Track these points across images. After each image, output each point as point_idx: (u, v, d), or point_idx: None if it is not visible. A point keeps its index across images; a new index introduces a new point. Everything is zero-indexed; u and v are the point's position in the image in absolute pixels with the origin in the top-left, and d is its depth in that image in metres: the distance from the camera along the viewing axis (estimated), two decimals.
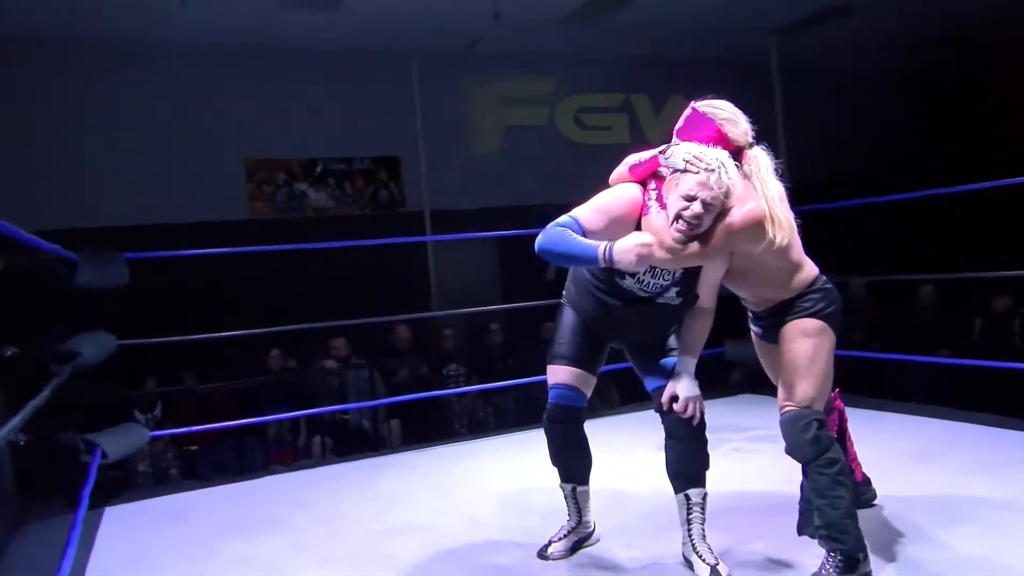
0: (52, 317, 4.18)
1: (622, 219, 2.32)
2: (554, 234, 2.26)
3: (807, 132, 8.73)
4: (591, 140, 8.71)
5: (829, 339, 2.38)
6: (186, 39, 6.80)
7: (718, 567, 2.38)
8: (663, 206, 2.28)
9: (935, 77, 9.09)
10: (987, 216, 6.61)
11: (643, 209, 2.33)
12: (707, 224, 2.23)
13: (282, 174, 7.67)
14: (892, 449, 3.65)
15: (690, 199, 2.19)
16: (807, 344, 2.34)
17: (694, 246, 2.24)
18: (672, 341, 2.53)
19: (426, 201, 8.04)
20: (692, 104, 2.39)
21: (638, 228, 2.30)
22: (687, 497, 2.45)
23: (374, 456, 4.60)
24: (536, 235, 2.31)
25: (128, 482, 5.29)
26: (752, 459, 3.69)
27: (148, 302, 5.98)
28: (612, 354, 2.67)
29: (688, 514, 2.45)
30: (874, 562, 2.38)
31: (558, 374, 2.58)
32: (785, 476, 3.31)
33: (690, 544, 2.45)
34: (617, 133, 8.74)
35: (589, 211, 2.34)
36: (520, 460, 3.93)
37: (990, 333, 6.01)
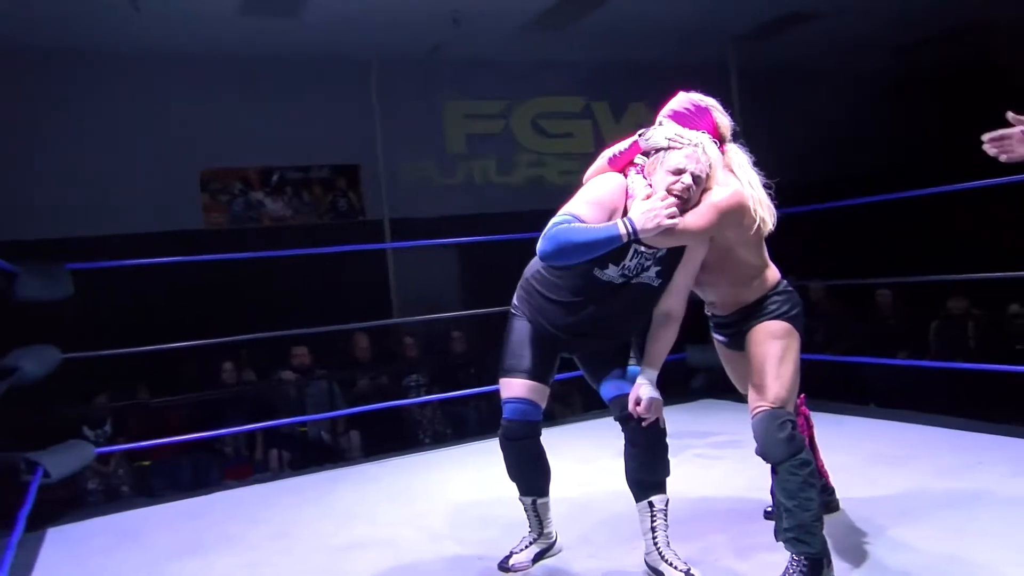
0: None
1: (615, 207, 2.30)
2: (561, 232, 2.21)
3: (766, 138, 8.78)
4: (553, 149, 8.69)
5: (796, 341, 2.39)
6: (141, 46, 6.65)
7: (691, 571, 2.34)
8: (649, 184, 2.29)
9: (895, 82, 9.25)
10: (944, 219, 6.72)
11: (627, 194, 2.32)
12: (695, 199, 2.25)
13: (238, 183, 7.52)
14: (854, 453, 3.65)
15: (679, 172, 2.22)
16: (776, 345, 2.34)
17: (688, 221, 2.23)
18: (630, 351, 2.49)
19: (386, 210, 7.94)
20: (683, 93, 2.48)
21: (624, 215, 2.28)
22: (650, 504, 2.40)
23: (333, 468, 4.50)
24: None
25: (76, 501, 5.10)
26: (715, 464, 3.67)
27: (103, 315, 5.83)
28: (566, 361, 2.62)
29: (652, 522, 2.40)
30: (838, 565, 2.36)
31: (513, 387, 2.48)
32: (749, 482, 3.30)
33: (656, 552, 2.40)
34: (580, 140, 8.73)
35: (583, 204, 2.29)
36: (482, 470, 3.85)
37: (946, 336, 6.08)
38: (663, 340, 2.40)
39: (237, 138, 7.30)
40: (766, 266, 2.45)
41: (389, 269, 7.88)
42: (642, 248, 2.29)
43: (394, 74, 7.80)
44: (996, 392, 4.91)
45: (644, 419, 2.34)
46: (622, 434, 2.44)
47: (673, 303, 2.39)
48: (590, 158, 2.58)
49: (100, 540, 3.38)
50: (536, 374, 2.48)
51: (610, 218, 2.26)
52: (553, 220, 2.26)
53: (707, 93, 2.56)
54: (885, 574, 2.33)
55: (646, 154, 2.34)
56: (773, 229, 2.40)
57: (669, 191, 2.21)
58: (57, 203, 6.54)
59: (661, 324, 2.40)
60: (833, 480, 2.95)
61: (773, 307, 2.40)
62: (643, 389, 2.34)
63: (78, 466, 3.79)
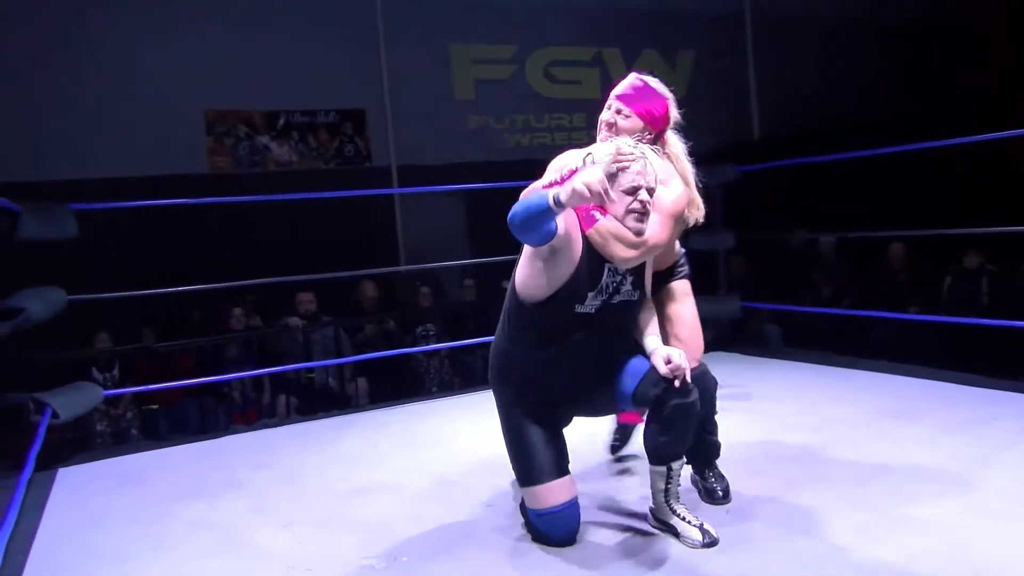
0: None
1: (574, 236, 2.20)
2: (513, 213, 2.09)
3: (779, 86, 8.65)
4: (561, 95, 8.55)
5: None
6: None
7: (705, 526, 2.32)
8: (603, 211, 2.24)
9: (914, 28, 9.00)
10: (960, 172, 6.59)
11: (585, 223, 2.23)
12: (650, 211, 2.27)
13: (243, 126, 7.41)
14: (864, 407, 3.63)
15: (635, 191, 2.22)
16: (691, 303, 2.67)
17: (653, 237, 2.28)
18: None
19: (393, 156, 7.84)
20: (638, 75, 2.53)
21: (586, 243, 2.22)
22: (669, 468, 2.35)
23: (340, 415, 4.51)
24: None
25: (86, 443, 5.14)
26: (727, 417, 3.64)
27: (109, 259, 5.79)
28: None
29: (667, 483, 2.35)
30: (847, 518, 2.37)
31: (554, 493, 2.33)
32: (758, 435, 3.29)
33: (666, 507, 2.36)
34: (588, 87, 8.57)
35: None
36: (489, 419, 3.82)
37: (959, 291, 6.02)
38: (651, 318, 2.42)
39: (242, 80, 7.17)
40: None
41: (396, 216, 7.81)
42: (614, 267, 2.26)
43: (401, 16, 7.64)
44: (1010, 349, 4.86)
45: (678, 377, 2.22)
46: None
47: (647, 291, 2.42)
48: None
49: (108, 481, 3.39)
50: (564, 467, 2.39)
51: (567, 251, 2.19)
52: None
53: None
54: (897, 526, 2.32)
55: None
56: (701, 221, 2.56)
57: (629, 211, 2.22)
58: (61, 144, 6.44)
59: (644, 309, 2.40)
60: (838, 433, 3.04)
61: (682, 268, 2.72)
62: (663, 349, 2.28)
63: (86, 408, 3.79)
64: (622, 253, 2.23)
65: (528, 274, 2.25)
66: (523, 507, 2.47)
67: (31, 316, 3.18)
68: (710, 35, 8.84)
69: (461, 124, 8.13)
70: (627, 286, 2.29)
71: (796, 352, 5.16)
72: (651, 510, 2.43)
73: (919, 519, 2.35)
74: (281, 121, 7.54)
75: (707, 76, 8.82)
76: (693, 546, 2.28)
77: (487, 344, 2.61)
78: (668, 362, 2.23)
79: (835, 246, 6.67)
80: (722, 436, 2.68)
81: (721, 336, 5.17)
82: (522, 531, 2.49)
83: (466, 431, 3.77)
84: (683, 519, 2.34)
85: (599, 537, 2.42)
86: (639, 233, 2.23)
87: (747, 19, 8.62)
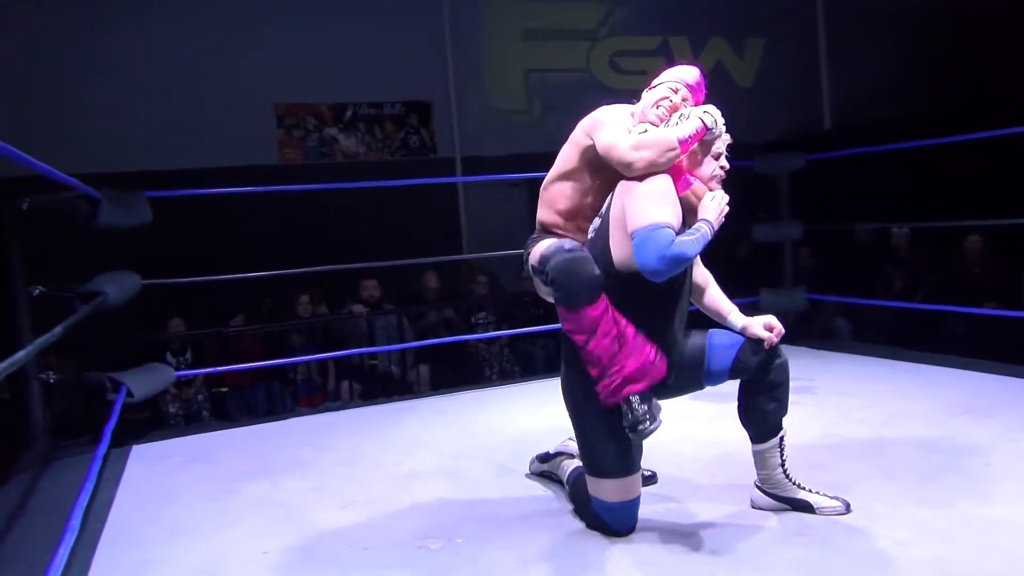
0: (81, 257, 4.16)
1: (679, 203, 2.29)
2: (677, 250, 2.12)
3: (852, 74, 8.40)
4: (626, 84, 8.46)
5: None
6: None
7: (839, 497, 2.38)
8: (693, 175, 2.33)
9: (993, 13, 8.61)
10: None
11: (681, 187, 2.29)
12: None
13: (312, 119, 7.57)
14: (934, 402, 3.51)
15: (718, 156, 2.33)
16: None
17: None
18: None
19: (457, 147, 7.90)
20: (693, 65, 2.51)
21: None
22: (781, 439, 2.38)
23: (401, 400, 4.58)
24: None
25: (159, 422, 5.35)
26: (791, 411, 3.57)
27: (184, 246, 6.00)
28: None
29: (782, 456, 2.38)
30: (916, 515, 2.31)
31: (628, 489, 2.32)
32: (823, 429, 3.22)
33: (792, 484, 2.39)
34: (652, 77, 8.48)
35: (667, 211, 2.19)
36: (547, 407, 3.84)
37: None
38: (719, 290, 2.52)
39: (311, 73, 7.33)
40: None
41: (460, 207, 7.87)
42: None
43: (466, 8, 7.68)
44: None
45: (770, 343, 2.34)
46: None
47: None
48: None
49: (178, 459, 3.52)
50: (639, 461, 2.38)
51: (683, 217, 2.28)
52: (650, 233, 2.13)
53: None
54: (967, 525, 2.24)
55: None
56: None
57: (714, 176, 2.33)
58: (137, 137, 6.69)
59: (710, 283, 2.53)
60: (906, 429, 2.94)
61: None
62: (759, 318, 2.38)
63: (159, 388, 3.93)
64: (720, 218, 2.31)
65: (628, 248, 2.22)
66: (577, 495, 2.48)
67: (108, 299, 3.31)
68: (780, 23, 8.65)
69: (525, 116, 8.14)
70: None
71: (865, 347, 5.02)
72: (764, 491, 2.43)
73: (991, 519, 2.27)
74: (348, 113, 7.68)
75: (777, 65, 8.64)
76: (835, 514, 2.35)
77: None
78: (771, 328, 2.34)
79: (908, 238, 6.45)
80: (787, 429, 2.63)
81: (787, 329, 5.05)
82: (572, 516, 2.49)
83: (524, 419, 3.78)
84: (813, 491, 2.39)
85: (651, 526, 2.40)
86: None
87: (819, 6, 8.38)
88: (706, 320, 2.51)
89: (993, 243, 5.90)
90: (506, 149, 7.81)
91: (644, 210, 2.19)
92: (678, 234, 2.18)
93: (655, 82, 2.47)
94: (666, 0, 8.21)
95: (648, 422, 2.21)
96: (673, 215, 2.20)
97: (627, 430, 2.23)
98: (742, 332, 2.38)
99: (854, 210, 6.68)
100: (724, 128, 2.31)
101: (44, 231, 4.35)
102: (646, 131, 2.30)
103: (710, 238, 2.22)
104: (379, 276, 6.12)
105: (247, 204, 5.98)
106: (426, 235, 7.16)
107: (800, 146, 5.39)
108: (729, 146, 2.35)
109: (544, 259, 2.32)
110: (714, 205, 2.27)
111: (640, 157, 2.22)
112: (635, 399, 2.21)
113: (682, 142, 2.23)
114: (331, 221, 6.82)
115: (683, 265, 2.17)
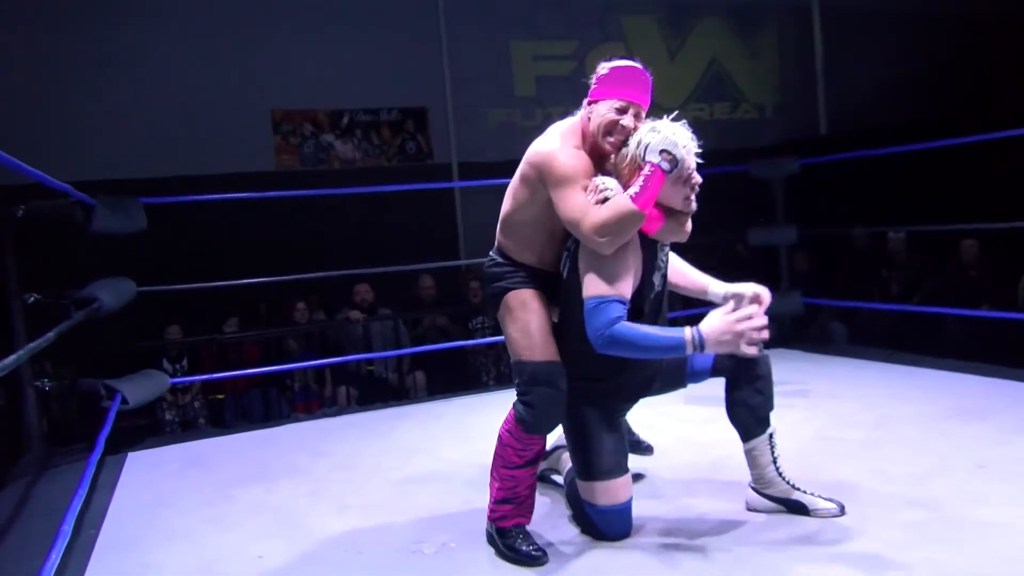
0: (77, 264, 4.16)
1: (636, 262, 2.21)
2: (622, 336, 2.06)
3: (847, 78, 8.43)
4: None
5: None
6: None
7: (834, 499, 2.37)
8: (657, 210, 2.19)
9: (986, 20, 8.66)
10: None
11: (649, 228, 2.17)
12: None
13: (309, 125, 7.58)
14: (929, 405, 3.52)
15: (687, 178, 2.20)
16: None
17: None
18: None
19: (454, 153, 7.91)
20: (636, 65, 2.29)
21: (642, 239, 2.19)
22: (770, 436, 2.38)
23: (398, 406, 4.58)
24: None
25: (155, 429, 5.34)
26: (784, 414, 3.57)
27: (175, 253, 6.00)
28: None
29: (773, 452, 2.37)
30: (911, 517, 2.31)
31: (619, 491, 2.31)
32: (818, 431, 3.22)
33: (786, 483, 2.38)
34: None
35: (621, 281, 2.13)
36: None
37: None
38: (690, 267, 2.54)
39: (307, 80, 7.34)
40: None
41: (457, 212, 7.88)
42: (663, 250, 2.32)
43: (462, 14, 7.70)
44: None
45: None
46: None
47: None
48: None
49: (174, 465, 3.52)
50: (626, 464, 2.37)
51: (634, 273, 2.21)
52: (598, 305, 2.10)
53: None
54: (959, 527, 2.24)
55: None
56: None
57: (686, 198, 2.21)
58: (134, 144, 6.69)
59: (679, 264, 2.52)
60: (900, 431, 2.94)
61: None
62: (743, 285, 2.33)
63: (154, 394, 3.93)
64: (687, 229, 2.29)
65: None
66: (573, 498, 2.48)
67: (103, 306, 3.31)
68: (777, 25, 8.68)
69: (522, 121, 8.16)
70: (664, 252, 2.34)
71: (862, 350, 5.03)
72: (758, 491, 2.42)
73: (985, 521, 2.27)
74: (345, 120, 7.69)
75: (773, 70, 8.65)
76: (830, 515, 2.34)
77: None
78: (759, 298, 2.27)
79: (905, 242, 6.46)
80: (777, 432, 2.63)
81: (783, 333, 5.06)
82: (569, 521, 2.49)
83: None
84: (808, 493, 2.37)
85: (645, 530, 2.40)
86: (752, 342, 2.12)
87: (815, 12, 8.41)
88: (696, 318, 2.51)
89: (989, 247, 5.92)
90: (503, 155, 7.81)
91: (593, 280, 2.14)
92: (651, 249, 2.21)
93: (599, 95, 2.30)
94: (666, 6, 8.23)
95: (541, 555, 2.25)
96: (627, 285, 2.14)
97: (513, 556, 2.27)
98: (726, 298, 2.33)
99: (850, 214, 6.70)
100: (689, 148, 2.16)
101: (40, 238, 4.35)
102: (606, 190, 2.14)
103: (684, 350, 2.06)
104: (375, 282, 6.13)
105: (244, 210, 5.98)
106: (423, 241, 7.17)
107: (795, 151, 5.41)
108: (699, 153, 2.20)
109: (534, 373, 2.31)
110: (718, 327, 2.05)
111: (606, 241, 2.09)
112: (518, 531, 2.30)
113: (645, 202, 2.08)
114: (328, 227, 6.82)
115: (621, 349, 2.08)
